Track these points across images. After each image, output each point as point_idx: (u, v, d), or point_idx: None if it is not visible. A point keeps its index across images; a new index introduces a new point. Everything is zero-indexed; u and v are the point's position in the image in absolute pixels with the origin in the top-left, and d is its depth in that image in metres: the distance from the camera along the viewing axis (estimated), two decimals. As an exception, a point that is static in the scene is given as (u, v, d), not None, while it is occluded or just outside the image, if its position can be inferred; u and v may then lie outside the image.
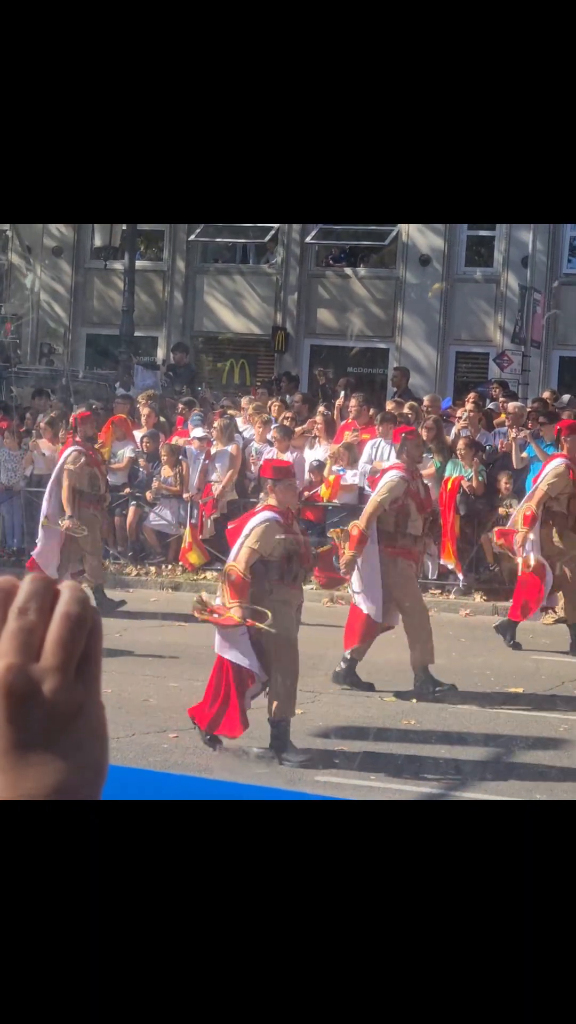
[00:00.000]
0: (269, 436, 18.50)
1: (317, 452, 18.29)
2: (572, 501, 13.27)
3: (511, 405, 18.82)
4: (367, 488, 17.82)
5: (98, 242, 25.80)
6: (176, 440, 18.80)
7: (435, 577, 16.72)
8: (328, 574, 11.29)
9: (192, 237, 27.20)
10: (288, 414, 19.32)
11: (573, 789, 8.79)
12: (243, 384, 25.65)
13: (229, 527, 10.50)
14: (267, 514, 9.50)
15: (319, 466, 17.92)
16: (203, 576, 17.68)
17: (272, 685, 9.33)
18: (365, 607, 11.22)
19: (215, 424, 18.59)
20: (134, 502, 18.62)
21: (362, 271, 26.73)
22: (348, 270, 26.73)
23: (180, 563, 17.72)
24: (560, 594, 13.39)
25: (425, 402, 19.32)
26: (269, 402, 20.25)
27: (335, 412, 19.28)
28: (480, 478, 16.76)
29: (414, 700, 11.12)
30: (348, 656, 11.45)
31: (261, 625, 9.08)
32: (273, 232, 26.85)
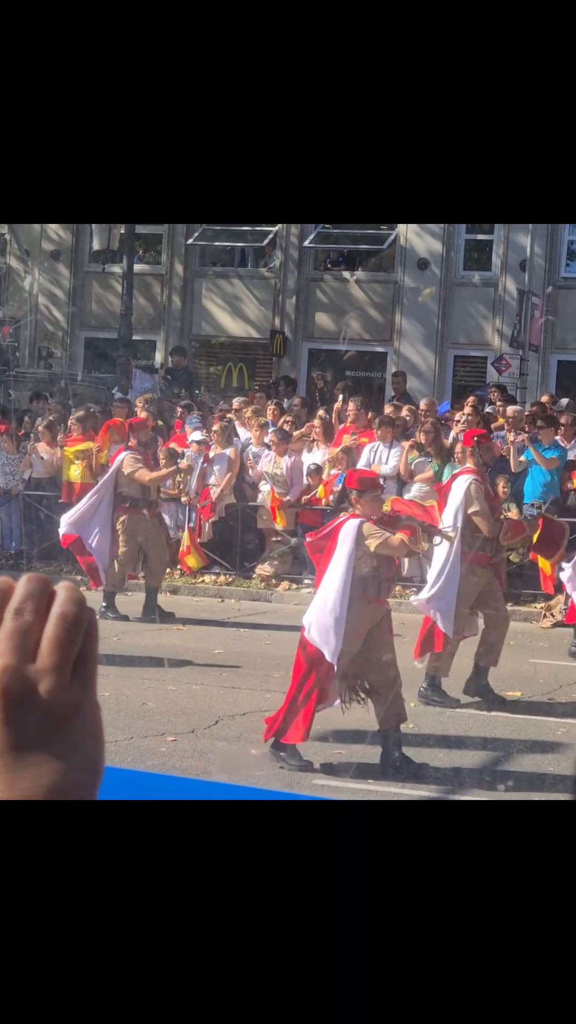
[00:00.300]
0: (267, 439, 18.51)
1: (315, 456, 18.30)
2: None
3: (509, 409, 18.83)
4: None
5: (96, 245, 25.81)
6: (173, 445, 18.82)
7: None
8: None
9: (190, 241, 27.20)
10: (287, 418, 19.33)
11: (570, 793, 8.78)
12: (241, 388, 25.66)
13: (308, 540, 10.29)
14: (356, 522, 9.35)
15: (317, 470, 17.93)
16: (201, 580, 17.69)
17: (377, 700, 9.22)
18: (442, 624, 10.94)
19: (214, 427, 18.60)
20: (132, 505, 18.62)
21: (360, 275, 26.74)
22: (346, 274, 26.75)
23: (178, 566, 17.72)
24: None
25: (422, 406, 19.33)
26: (266, 405, 20.26)
27: (333, 416, 19.29)
28: (478, 481, 16.75)
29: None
30: (428, 673, 11.08)
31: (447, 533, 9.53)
32: (271, 236, 26.86)
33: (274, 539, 18.08)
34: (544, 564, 15.35)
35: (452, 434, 18.07)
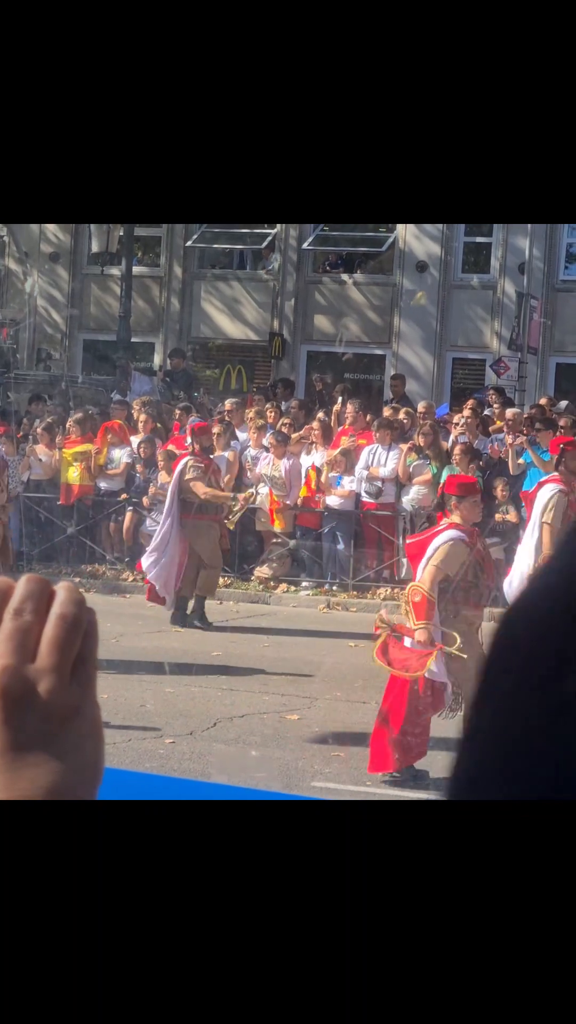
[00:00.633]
0: (265, 441, 18.51)
1: (314, 458, 18.31)
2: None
3: (508, 411, 18.84)
4: (364, 495, 17.85)
5: (95, 248, 25.83)
6: (171, 447, 18.82)
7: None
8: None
9: (189, 243, 27.21)
10: (286, 420, 19.34)
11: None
12: (240, 390, 25.66)
13: (408, 542, 10.21)
14: (452, 532, 9.15)
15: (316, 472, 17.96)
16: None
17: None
18: None
19: (213, 430, 18.60)
20: (130, 508, 18.63)
21: (359, 277, 26.75)
22: (345, 276, 26.75)
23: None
24: None
25: (421, 408, 19.35)
26: (264, 407, 20.27)
27: (332, 418, 19.30)
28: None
29: None
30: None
31: (451, 649, 8.68)
32: (270, 238, 26.86)
33: (273, 541, 18.08)
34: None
35: (451, 437, 18.08)
